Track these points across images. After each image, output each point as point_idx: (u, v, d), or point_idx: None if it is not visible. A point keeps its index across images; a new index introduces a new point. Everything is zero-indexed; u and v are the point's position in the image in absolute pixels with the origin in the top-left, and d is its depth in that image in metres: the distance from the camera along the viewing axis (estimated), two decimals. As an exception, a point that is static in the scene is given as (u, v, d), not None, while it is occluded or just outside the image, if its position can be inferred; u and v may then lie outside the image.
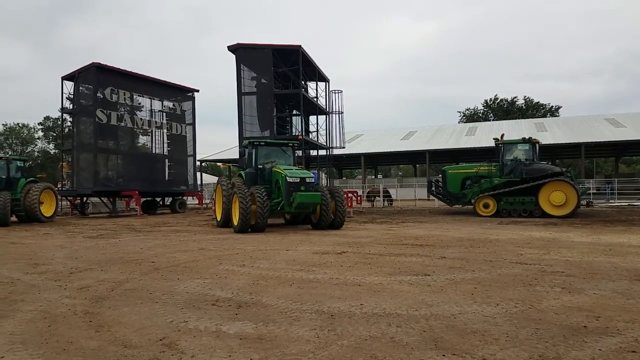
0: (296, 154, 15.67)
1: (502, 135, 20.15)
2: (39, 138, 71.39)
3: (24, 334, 3.99)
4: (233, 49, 24.81)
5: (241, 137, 24.08)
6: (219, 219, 15.17)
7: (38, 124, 70.71)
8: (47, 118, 69.57)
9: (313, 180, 13.26)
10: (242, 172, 14.78)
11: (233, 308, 4.71)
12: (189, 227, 16.15)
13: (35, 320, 4.39)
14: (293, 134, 27.68)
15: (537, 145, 19.52)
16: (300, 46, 24.94)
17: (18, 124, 71.53)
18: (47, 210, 19.59)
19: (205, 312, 4.57)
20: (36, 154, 70.31)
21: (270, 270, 6.78)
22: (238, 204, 12.54)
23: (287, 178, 12.86)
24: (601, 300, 4.85)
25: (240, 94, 24.59)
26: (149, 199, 27.82)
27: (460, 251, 8.50)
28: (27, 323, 4.31)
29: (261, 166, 14.46)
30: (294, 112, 29.98)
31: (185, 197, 29.91)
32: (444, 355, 3.29)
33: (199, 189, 34.35)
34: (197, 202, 31.57)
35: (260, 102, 25.26)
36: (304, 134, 28.77)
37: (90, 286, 5.89)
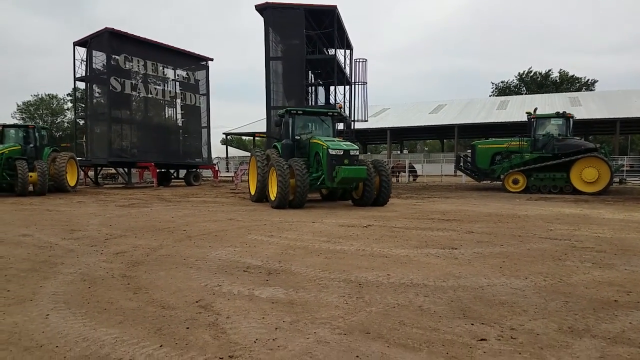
0: (337, 126, 14.32)
1: (535, 110, 19.63)
2: (68, 109, 72.87)
3: (65, 294, 4.20)
4: (261, 8, 23.55)
5: (269, 106, 23.34)
6: (252, 193, 14.33)
7: (67, 94, 72.08)
8: (76, 90, 71.06)
9: (357, 153, 12.23)
10: (278, 144, 13.79)
11: (264, 275, 4.84)
12: (217, 198, 16.46)
13: (76, 282, 4.61)
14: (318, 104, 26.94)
15: (571, 120, 18.95)
16: (335, 7, 23.47)
17: (48, 94, 73.20)
18: (69, 179, 19.82)
19: (238, 277, 4.72)
20: (66, 124, 71.93)
21: (298, 241, 6.90)
22: (276, 178, 11.70)
23: (330, 150, 11.77)
24: (632, 276, 4.79)
25: (267, 58, 23.39)
26: (163, 170, 27.78)
27: (488, 226, 8.45)
28: (68, 284, 4.54)
29: (298, 137, 13.42)
30: (318, 80, 29.18)
31: (199, 170, 29.67)
32: (472, 324, 3.33)
33: (213, 162, 34.28)
34: (212, 175, 31.22)
35: (287, 69, 23.90)
36: (324, 103, 28.06)
37: (125, 251, 6.13)
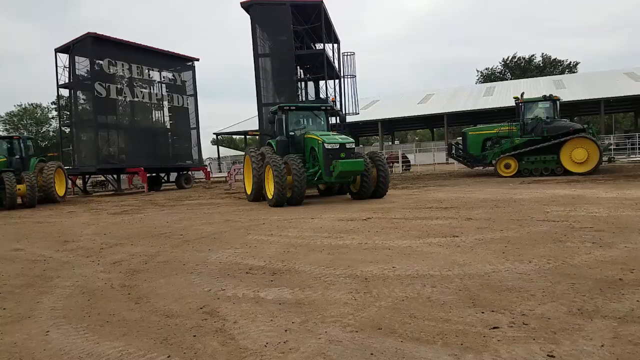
0: (329, 120, 14.22)
1: (522, 94, 19.69)
2: (52, 118, 71.72)
3: (65, 308, 4.09)
4: (247, 6, 23.35)
5: (260, 104, 23.16)
6: (249, 192, 14.15)
7: (51, 103, 70.70)
8: (60, 97, 69.86)
9: (353, 146, 12.09)
10: (272, 141, 13.52)
11: (267, 275, 4.78)
12: (212, 200, 16.33)
13: (74, 295, 4.51)
14: (308, 99, 26.79)
15: (558, 102, 19.07)
16: (322, 1, 23.41)
17: (32, 104, 72.07)
18: (58, 189, 19.37)
19: (241, 280, 4.65)
20: (51, 133, 70.77)
21: (299, 239, 6.84)
22: (272, 175, 11.55)
23: (325, 144, 11.63)
24: (634, 253, 4.80)
25: (256, 55, 23.14)
26: (153, 174, 27.43)
27: (486, 212, 8.45)
28: (67, 298, 4.43)
29: (292, 133, 13.27)
30: (308, 75, 29.04)
31: (191, 172, 29.40)
32: (483, 313, 3.30)
33: (205, 163, 33.91)
34: (204, 176, 30.87)
35: (276, 66, 23.67)
36: (314, 98, 27.91)
37: (123, 260, 6.03)
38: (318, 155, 12.00)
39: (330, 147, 11.62)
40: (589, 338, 2.79)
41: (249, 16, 23.58)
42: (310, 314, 3.52)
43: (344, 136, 12.34)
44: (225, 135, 63.21)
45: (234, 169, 25.18)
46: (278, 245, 6.43)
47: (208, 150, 51.31)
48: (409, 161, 32.05)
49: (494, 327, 3.02)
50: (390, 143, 60.54)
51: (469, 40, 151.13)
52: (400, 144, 58.76)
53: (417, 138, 79.65)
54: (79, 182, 26.71)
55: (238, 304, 3.90)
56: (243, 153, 56.48)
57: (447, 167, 31.45)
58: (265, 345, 2.99)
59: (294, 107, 13.61)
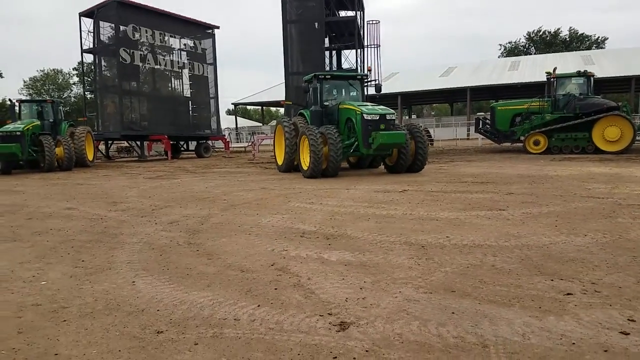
0: (364, 90, 13.76)
1: (555, 69, 19.23)
2: (74, 83, 72.42)
3: (141, 262, 4.33)
4: None
5: (287, 73, 22.95)
6: (280, 163, 13.96)
7: (73, 69, 71.29)
8: (82, 62, 70.09)
9: (394, 118, 11.67)
10: (305, 111, 13.19)
11: (322, 239, 4.94)
12: (239, 169, 16.54)
13: (145, 251, 4.74)
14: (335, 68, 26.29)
15: (592, 78, 18.61)
16: None
17: (54, 69, 72.78)
18: (87, 154, 19.67)
19: (300, 242, 4.82)
20: (73, 99, 71.59)
21: (341, 207, 6.97)
22: (309, 146, 11.26)
23: (364, 115, 11.21)
24: (688, 231, 4.83)
25: (285, 22, 22.40)
26: (173, 143, 27.59)
27: (525, 187, 8.46)
28: (139, 253, 4.67)
29: (326, 103, 12.88)
30: (333, 45, 28.50)
31: (211, 142, 29.51)
32: (552, 280, 3.41)
33: (223, 133, 33.90)
34: (224, 146, 30.81)
35: (305, 33, 22.78)
36: (336, 68, 27.37)
37: (178, 221, 6.25)
38: (356, 126, 11.63)
39: (369, 118, 11.23)
40: (664, 306, 2.89)
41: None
42: (379, 275, 3.68)
43: (383, 107, 11.95)
44: (240, 106, 63.07)
45: (259, 139, 25.26)
46: (322, 212, 6.58)
47: (224, 121, 51.35)
48: (430, 136, 31.77)
49: (568, 294, 3.14)
50: (407, 117, 59.91)
51: (490, 13, 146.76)
52: (417, 119, 58.10)
53: (433, 113, 78.52)
54: (101, 147, 27.08)
55: (305, 263, 4.08)
56: (260, 124, 56.60)
57: (469, 143, 31.15)
58: (346, 300, 3.16)
59: (329, 76, 13.22)
